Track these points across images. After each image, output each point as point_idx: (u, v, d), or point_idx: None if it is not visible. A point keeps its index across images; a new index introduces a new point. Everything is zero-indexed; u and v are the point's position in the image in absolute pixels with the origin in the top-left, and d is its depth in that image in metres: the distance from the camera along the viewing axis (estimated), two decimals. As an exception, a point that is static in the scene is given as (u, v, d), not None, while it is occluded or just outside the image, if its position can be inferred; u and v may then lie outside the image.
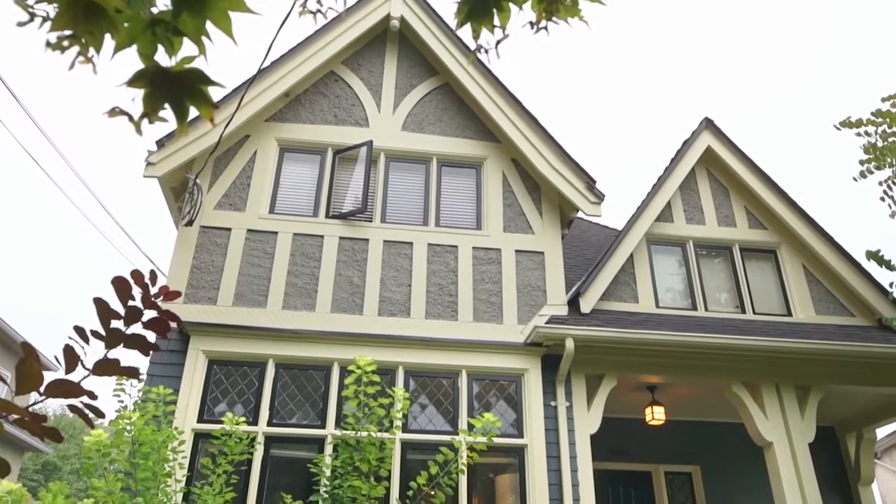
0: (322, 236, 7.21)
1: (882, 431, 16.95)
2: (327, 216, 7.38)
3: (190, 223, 6.97)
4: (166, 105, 0.96)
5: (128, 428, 4.74)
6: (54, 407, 35.29)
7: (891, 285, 5.32)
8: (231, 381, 6.42)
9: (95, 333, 1.77)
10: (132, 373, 1.86)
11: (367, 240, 7.25)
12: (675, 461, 8.89)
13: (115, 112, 0.95)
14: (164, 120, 0.99)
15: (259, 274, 6.94)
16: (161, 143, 6.99)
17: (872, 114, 5.24)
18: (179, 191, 7.43)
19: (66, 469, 30.90)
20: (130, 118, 0.96)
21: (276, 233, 7.16)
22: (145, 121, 0.95)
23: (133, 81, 0.95)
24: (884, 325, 7.70)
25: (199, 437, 6.10)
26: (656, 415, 8.09)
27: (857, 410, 8.72)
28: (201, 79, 0.97)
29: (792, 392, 7.06)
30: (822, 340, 6.96)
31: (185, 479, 5.51)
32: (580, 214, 7.73)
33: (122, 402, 4.87)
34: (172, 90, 0.95)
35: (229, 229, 7.11)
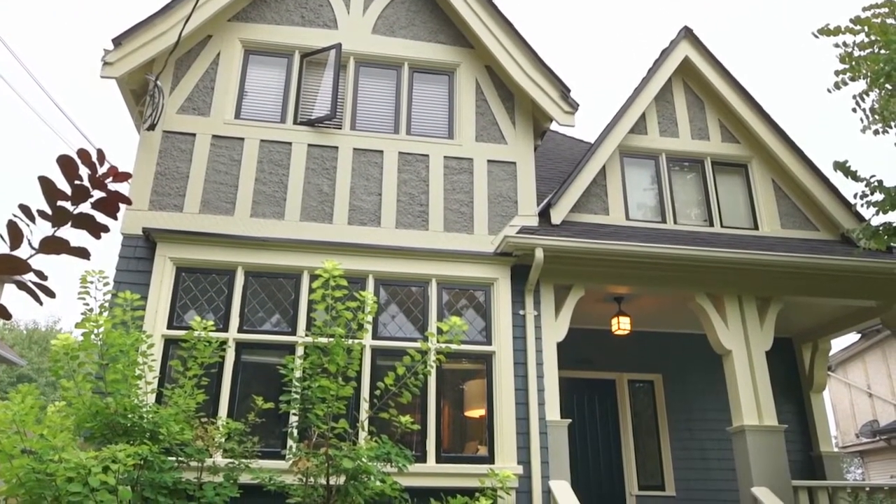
0: (290, 143, 7.03)
1: (837, 346, 17.68)
2: (295, 122, 7.18)
3: (152, 127, 6.73)
4: None
5: (95, 331, 4.70)
6: (26, 321, 35.18)
7: (855, 196, 5.37)
8: (200, 289, 6.38)
9: (42, 213, 1.70)
10: (82, 253, 1.80)
11: (336, 147, 7.09)
12: (639, 370, 9.21)
13: None
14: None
15: (226, 181, 6.79)
16: (118, 42, 6.64)
17: (851, 21, 5.13)
18: (140, 94, 7.13)
19: (42, 381, 31.11)
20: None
21: (242, 139, 6.96)
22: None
23: None
24: (846, 239, 7.87)
25: (169, 343, 6.12)
26: (622, 325, 8.31)
27: (814, 322, 9.04)
28: None
29: (753, 303, 7.26)
30: (785, 253, 7.11)
31: (155, 381, 5.55)
32: (554, 126, 7.63)
33: (87, 304, 4.81)
34: None
35: (193, 135, 6.90)
